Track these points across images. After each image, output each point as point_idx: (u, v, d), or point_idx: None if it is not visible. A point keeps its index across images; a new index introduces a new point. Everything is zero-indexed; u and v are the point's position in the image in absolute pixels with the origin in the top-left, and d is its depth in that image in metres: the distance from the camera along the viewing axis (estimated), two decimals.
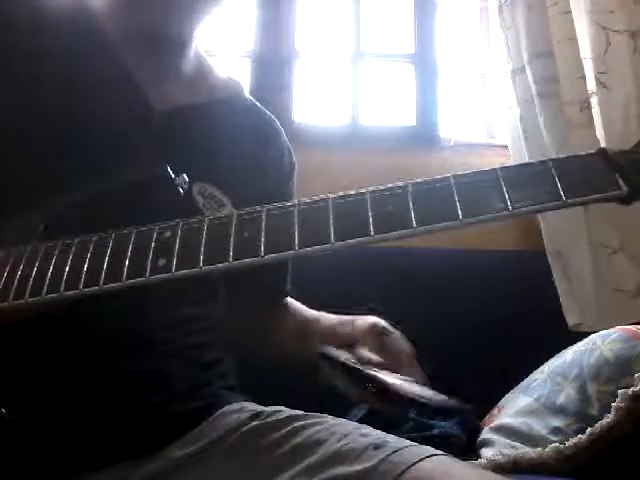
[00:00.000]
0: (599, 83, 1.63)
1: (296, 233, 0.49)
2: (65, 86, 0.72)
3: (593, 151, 0.52)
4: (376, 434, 0.60)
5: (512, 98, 1.67)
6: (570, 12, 1.64)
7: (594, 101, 1.63)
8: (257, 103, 0.92)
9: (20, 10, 0.77)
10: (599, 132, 1.60)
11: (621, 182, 0.49)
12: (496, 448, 1.06)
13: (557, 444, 0.97)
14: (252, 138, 0.82)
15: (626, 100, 1.61)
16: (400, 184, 0.51)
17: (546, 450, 0.97)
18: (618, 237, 1.55)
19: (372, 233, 0.49)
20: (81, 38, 0.75)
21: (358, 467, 0.54)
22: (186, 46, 0.80)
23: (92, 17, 0.78)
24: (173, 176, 0.66)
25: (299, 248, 0.49)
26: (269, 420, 0.65)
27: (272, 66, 1.78)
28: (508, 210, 0.48)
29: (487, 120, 1.92)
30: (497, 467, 0.98)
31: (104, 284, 0.51)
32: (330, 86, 1.89)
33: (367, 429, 0.62)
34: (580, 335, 1.19)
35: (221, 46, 1.78)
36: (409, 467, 0.52)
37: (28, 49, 0.73)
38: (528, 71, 1.62)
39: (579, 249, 1.55)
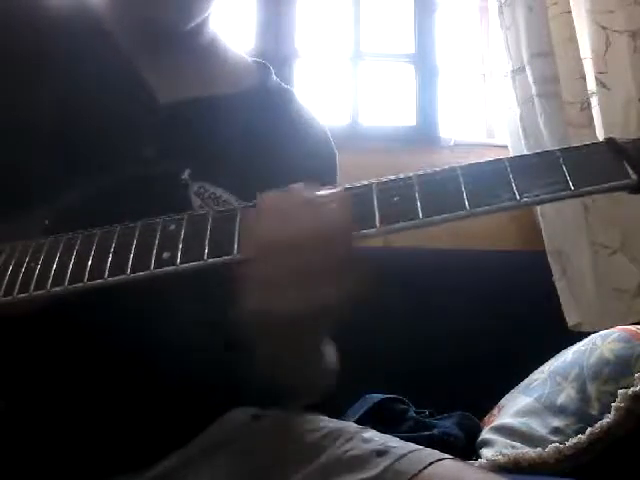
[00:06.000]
0: (599, 83, 1.63)
1: None
2: (66, 83, 0.71)
3: (601, 140, 0.50)
4: (378, 438, 0.59)
5: (512, 98, 1.67)
6: (570, 12, 1.64)
7: (594, 101, 1.63)
8: (289, 93, 0.86)
9: (20, 9, 0.76)
10: (599, 132, 1.60)
11: (630, 171, 0.47)
12: (496, 448, 1.06)
13: (557, 444, 0.97)
14: (265, 135, 0.77)
15: (626, 100, 1.61)
16: (404, 175, 0.50)
17: (546, 450, 0.97)
18: (618, 237, 1.55)
19: (377, 225, 0.47)
20: (82, 35, 0.75)
21: (362, 476, 0.54)
22: (191, 39, 0.77)
23: (92, 14, 0.78)
24: (179, 173, 0.64)
25: None
26: (271, 423, 0.65)
27: (272, 66, 1.77)
28: (516, 200, 0.46)
29: (487, 120, 1.92)
30: (497, 467, 0.98)
31: (109, 277, 0.51)
32: (330, 86, 1.89)
33: (368, 432, 0.61)
34: (580, 335, 1.19)
35: None
36: (417, 473, 0.52)
37: (28, 47, 0.73)
38: (528, 71, 1.62)
39: (579, 249, 1.55)
